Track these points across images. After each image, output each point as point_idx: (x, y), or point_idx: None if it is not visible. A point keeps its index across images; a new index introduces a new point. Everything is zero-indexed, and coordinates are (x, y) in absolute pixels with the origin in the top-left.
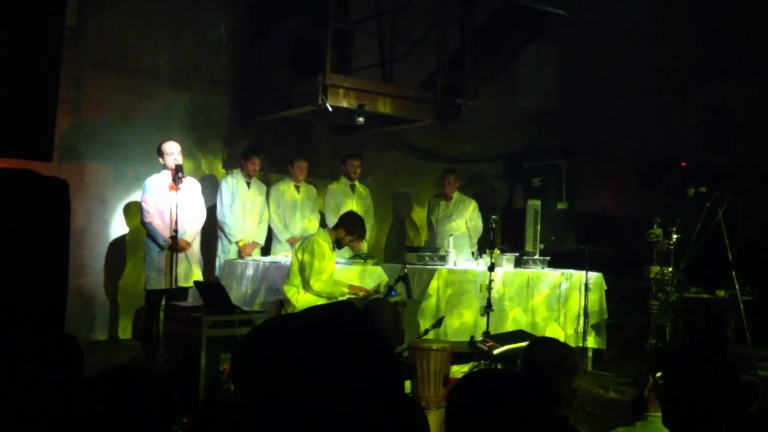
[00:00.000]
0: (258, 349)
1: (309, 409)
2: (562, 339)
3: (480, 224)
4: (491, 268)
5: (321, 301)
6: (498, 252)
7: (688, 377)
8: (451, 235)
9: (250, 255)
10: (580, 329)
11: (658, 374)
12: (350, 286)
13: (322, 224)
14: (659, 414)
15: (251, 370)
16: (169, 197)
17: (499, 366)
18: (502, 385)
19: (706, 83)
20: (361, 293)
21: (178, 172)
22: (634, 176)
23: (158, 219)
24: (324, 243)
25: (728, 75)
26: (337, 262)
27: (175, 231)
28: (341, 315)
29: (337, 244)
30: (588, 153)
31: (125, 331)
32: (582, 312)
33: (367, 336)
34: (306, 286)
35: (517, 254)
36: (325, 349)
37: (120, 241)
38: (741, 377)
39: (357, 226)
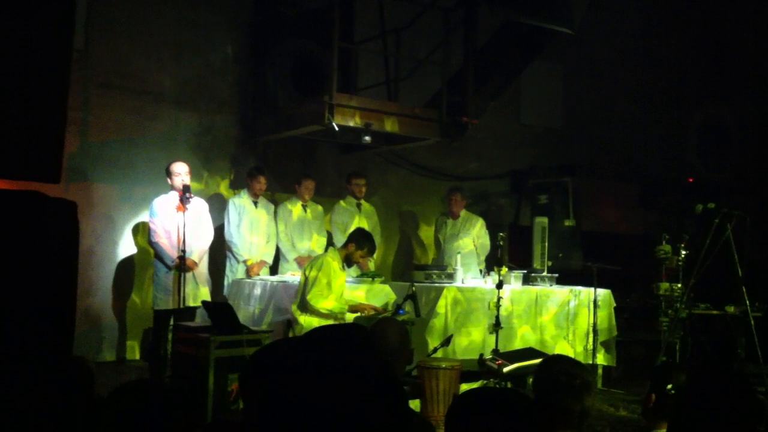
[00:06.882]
0: (265, 356)
1: (309, 412)
2: (571, 356)
3: (487, 242)
4: (499, 286)
5: (326, 322)
6: (506, 269)
7: (699, 396)
8: (459, 253)
9: (258, 274)
10: (590, 347)
11: (669, 386)
12: (350, 307)
13: (330, 243)
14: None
15: (258, 375)
16: (176, 217)
17: (509, 384)
18: (498, 403)
19: (704, 101)
20: (368, 311)
21: (185, 193)
22: (637, 194)
23: (165, 239)
24: (333, 262)
25: (725, 93)
26: (345, 281)
27: (183, 251)
28: (345, 333)
29: (347, 263)
30: (592, 171)
31: (133, 351)
32: (591, 329)
33: (366, 353)
34: (303, 302)
35: (525, 272)
36: (327, 360)
37: (128, 262)
38: (756, 396)
39: (366, 240)
